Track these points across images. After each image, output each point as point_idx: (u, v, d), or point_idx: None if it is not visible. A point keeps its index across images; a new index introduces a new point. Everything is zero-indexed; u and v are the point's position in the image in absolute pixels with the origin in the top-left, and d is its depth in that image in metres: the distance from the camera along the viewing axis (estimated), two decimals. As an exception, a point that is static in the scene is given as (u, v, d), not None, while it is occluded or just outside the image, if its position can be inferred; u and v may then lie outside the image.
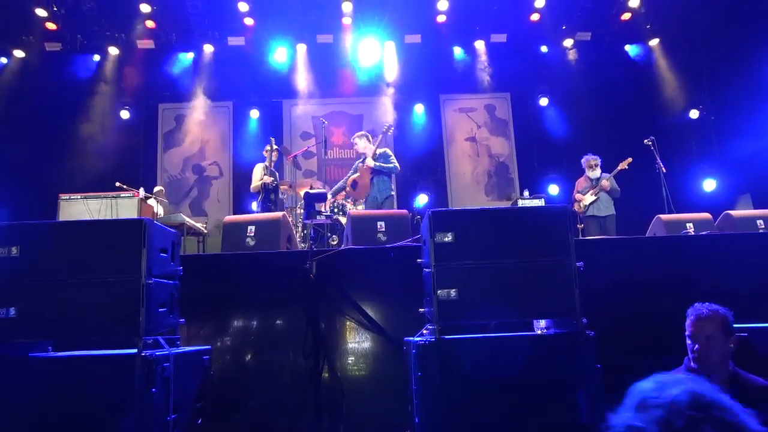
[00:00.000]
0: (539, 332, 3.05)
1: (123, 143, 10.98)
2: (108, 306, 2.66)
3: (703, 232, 5.32)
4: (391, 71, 11.40)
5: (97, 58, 11.05)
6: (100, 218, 6.80)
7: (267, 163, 7.81)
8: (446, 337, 2.75)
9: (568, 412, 2.59)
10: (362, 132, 7.70)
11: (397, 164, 7.34)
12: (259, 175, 7.82)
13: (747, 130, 9.31)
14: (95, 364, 2.62)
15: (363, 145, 7.38)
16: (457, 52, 11.67)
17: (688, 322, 2.76)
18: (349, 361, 4.26)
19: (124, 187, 7.86)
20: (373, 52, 11.25)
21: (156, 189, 9.24)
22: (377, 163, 7.07)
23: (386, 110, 11.54)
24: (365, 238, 4.91)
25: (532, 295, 2.78)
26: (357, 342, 4.30)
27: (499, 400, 2.62)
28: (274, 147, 7.87)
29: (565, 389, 2.63)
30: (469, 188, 11.79)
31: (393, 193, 7.33)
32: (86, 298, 2.67)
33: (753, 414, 2.54)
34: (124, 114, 11.12)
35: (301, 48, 11.31)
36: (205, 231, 8.65)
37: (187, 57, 11.31)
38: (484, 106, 12.23)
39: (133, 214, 7.12)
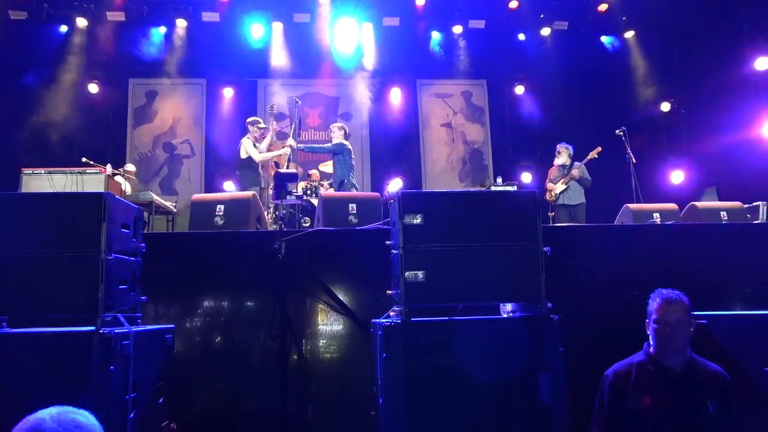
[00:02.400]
0: (505, 316, 3.07)
1: (91, 118, 10.65)
2: (65, 282, 2.58)
3: (669, 222, 5.42)
4: (369, 54, 11.28)
5: (64, 28, 10.65)
6: (63, 194, 6.59)
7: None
8: (412, 319, 2.75)
9: (531, 393, 2.63)
10: (342, 124, 7.85)
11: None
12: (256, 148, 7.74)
13: (716, 124, 9.50)
14: (51, 342, 2.54)
15: (336, 135, 7.63)
16: (435, 36, 11.61)
17: (654, 306, 2.79)
18: (318, 344, 4.24)
19: (91, 162, 7.64)
20: (351, 34, 11.11)
21: (128, 167, 9.01)
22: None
23: (363, 93, 11.44)
24: (336, 220, 4.88)
25: (499, 279, 2.79)
26: (326, 324, 4.28)
27: (463, 381, 2.63)
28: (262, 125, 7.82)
29: (528, 372, 2.66)
30: (443, 174, 11.81)
31: (347, 180, 7.42)
32: (43, 273, 2.58)
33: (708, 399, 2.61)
34: (93, 88, 10.77)
35: (278, 26, 11.09)
36: (175, 210, 8.49)
37: (159, 31, 10.99)
38: (460, 92, 12.23)
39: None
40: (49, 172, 7.00)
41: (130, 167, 9.10)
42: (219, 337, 4.23)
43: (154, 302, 4.08)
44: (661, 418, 2.66)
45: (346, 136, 7.86)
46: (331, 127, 8.09)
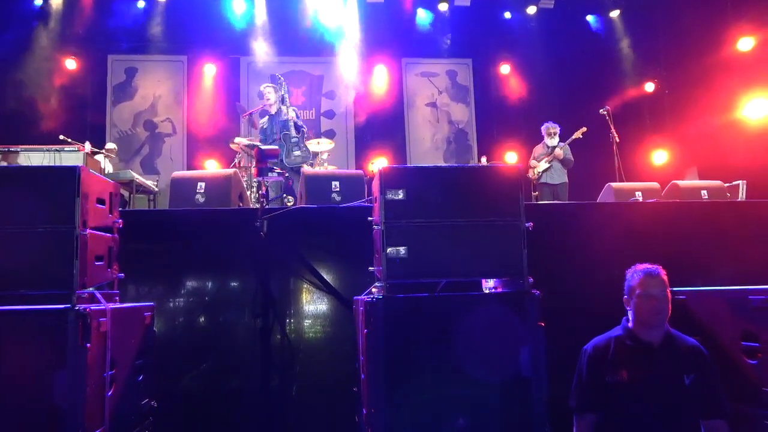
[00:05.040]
0: (487, 291, 3.07)
1: (69, 95, 10.40)
2: (39, 258, 2.51)
3: (651, 200, 5.46)
4: (354, 32, 11.12)
5: (39, 1, 10.33)
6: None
7: None
8: (394, 295, 2.73)
9: (511, 367, 2.64)
10: (272, 84, 7.38)
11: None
12: None
13: (698, 105, 9.56)
14: (26, 319, 2.48)
15: (273, 97, 7.11)
16: (421, 14, 11.48)
17: (635, 280, 2.80)
18: (302, 322, 4.23)
19: (69, 140, 7.48)
20: (336, 11, 10.93)
21: (108, 146, 8.85)
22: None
23: (348, 72, 11.30)
24: (319, 198, 4.84)
25: (481, 255, 2.78)
26: (310, 302, 4.27)
27: (445, 356, 2.64)
28: None
29: (509, 346, 2.67)
30: (428, 154, 11.78)
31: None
32: (15, 249, 2.51)
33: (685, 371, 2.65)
34: (71, 64, 10.51)
35: (260, 2, 10.87)
36: (156, 189, 8.37)
37: (139, 5, 10.72)
38: (445, 71, 12.15)
39: (78, 169, 6.77)
40: (26, 150, 6.85)
41: (110, 146, 8.94)
42: (201, 316, 4.20)
43: (135, 282, 4.04)
44: (638, 391, 2.70)
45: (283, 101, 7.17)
46: (265, 90, 7.27)
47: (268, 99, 7.20)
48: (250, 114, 7.91)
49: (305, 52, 11.34)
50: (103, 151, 8.25)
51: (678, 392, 2.69)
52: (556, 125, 8.23)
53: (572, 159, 8.06)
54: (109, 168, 8.35)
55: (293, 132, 6.55)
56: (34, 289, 2.55)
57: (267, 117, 7.20)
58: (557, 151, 7.97)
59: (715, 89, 9.13)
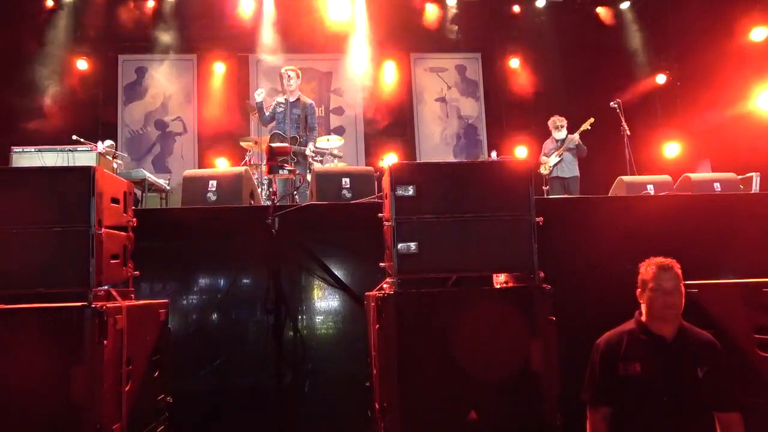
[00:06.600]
0: (498, 286, 3.08)
1: (80, 95, 10.50)
2: (56, 257, 2.56)
3: (663, 193, 5.42)
4: (362, 27, 11.11)
5: (50, 3, 10.43)
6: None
7: None
8: (405, 290, 2.75)
9: (522, 361, 2.65)
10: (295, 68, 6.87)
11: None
12: None
13: (711, 96, 9.45)
14: (43, 317, 2.53)
15: (295, 83, 6.65)
16: (430, 9, 11.44)
17: (649, 274, 2.79)
18: (314, 318, 4.26)
19: (81, 140, 7.55)
20: (344, 7, 10.92)
21: (106, 143, 8.89)
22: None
23: (356, 68, 11.29)
24: (330, 195, 4.85)
25: (492, 249, 2.79)
26: (321, 299, 4.30)
27: (456, 351, 2.65)
28: None
29: (520, 340, 2.68)
30: (437, 149, 11.77)
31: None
32: (32, 248, 2.56)
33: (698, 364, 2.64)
34: (82, 64, 10.61)
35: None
36: (168, 188, 8.42)
37: (148, 5, 10.78)
38: (454, 66, 12.12)
39: (91, 169, 6.84)
40: (40, 150, 6.92)
41: (108, 143, 8.97)
42: (214, 313, 4.25)
43: (149, 279, 4.09)
44: (651, 385, 2.69)
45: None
46: (288, 72, 6.73)
47: (290, 84, 6.73)
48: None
49: (314, 49, 11.33)
50: (104, 149, 8.29)
51: (691, 385, 2.68)
52: (563, 118, 8.19)
53: (585, 147, 8.04)
54: (119, 167, 8.40)
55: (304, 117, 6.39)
56: (51, 287, 2.60)
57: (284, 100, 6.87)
58: (572, 135, 7.93)
59: (728, 80, 9.01)
